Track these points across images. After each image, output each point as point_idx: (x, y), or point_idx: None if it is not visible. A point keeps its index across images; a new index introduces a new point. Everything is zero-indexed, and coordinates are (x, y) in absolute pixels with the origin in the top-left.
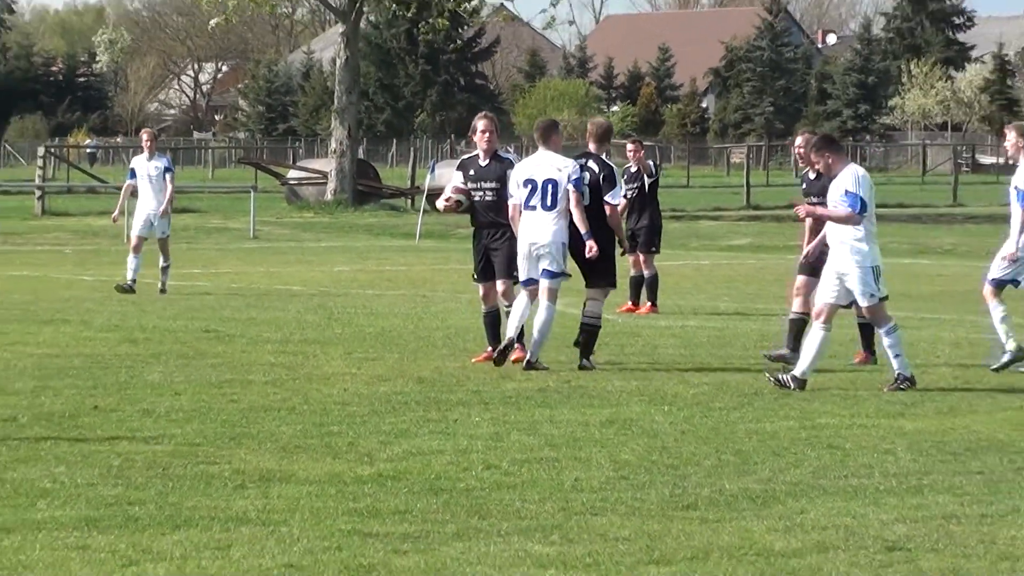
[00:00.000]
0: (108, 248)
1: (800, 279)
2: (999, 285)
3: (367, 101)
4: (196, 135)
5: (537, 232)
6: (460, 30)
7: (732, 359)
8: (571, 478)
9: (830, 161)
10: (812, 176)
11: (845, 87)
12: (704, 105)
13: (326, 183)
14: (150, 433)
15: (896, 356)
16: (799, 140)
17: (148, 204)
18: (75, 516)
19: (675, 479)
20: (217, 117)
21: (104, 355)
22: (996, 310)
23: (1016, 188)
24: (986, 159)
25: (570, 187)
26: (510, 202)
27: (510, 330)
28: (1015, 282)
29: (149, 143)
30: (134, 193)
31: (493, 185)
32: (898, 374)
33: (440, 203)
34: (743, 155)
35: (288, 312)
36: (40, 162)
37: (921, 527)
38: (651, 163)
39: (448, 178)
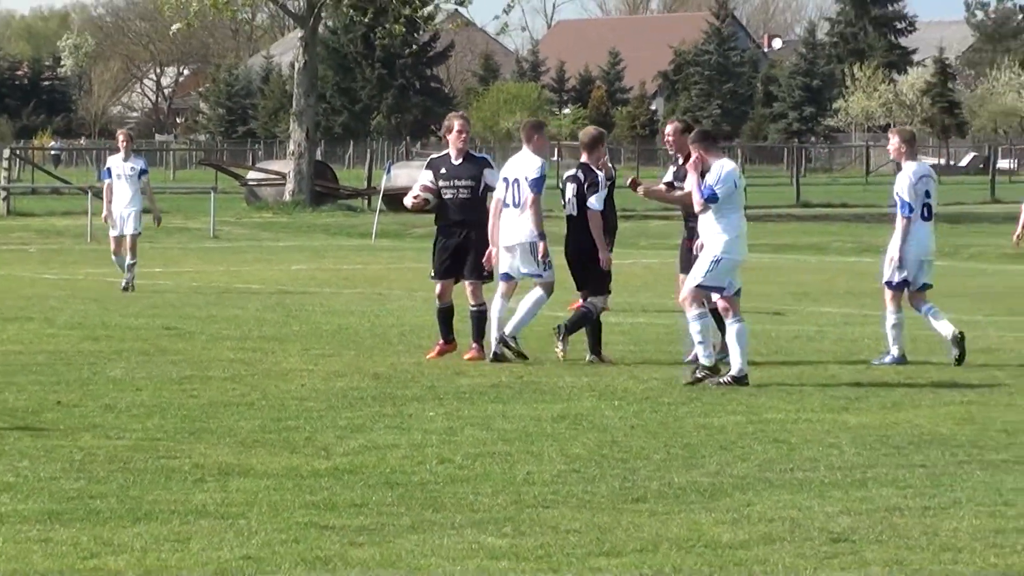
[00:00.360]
0: (72, 247)
1: (681, 276)
2: (898, 288)
3: (325, 104)
4: (158, 137)
5: (510, 231)
6: (415, 35)
7: (680, 355)
8: (523, 472)
9: (699, 155)
10: (681, 161)
11: (790, 90)
12: (653, 108)
13: (284, 184)
14: (111, 428)
15: (700, 343)
16: (669, 128)
17: (121, 203)
18: (38, 509)
19: (625, 472)
20: (178, 120)
21: (67, 352)
22: (891, 316)
23: (897, 195)
24: (928, 160)
25: (527, 186)
26: (494, 195)
27: (493, 333)
28: (907, 283)
29: (125, 143)
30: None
31: (468, 183)
32: (699, 362)
33: (408, 200)
34: None
35: (247, 310)
36: (5, 163)
37: (865, 519)
38: (611, 165)
39: (404, 179)
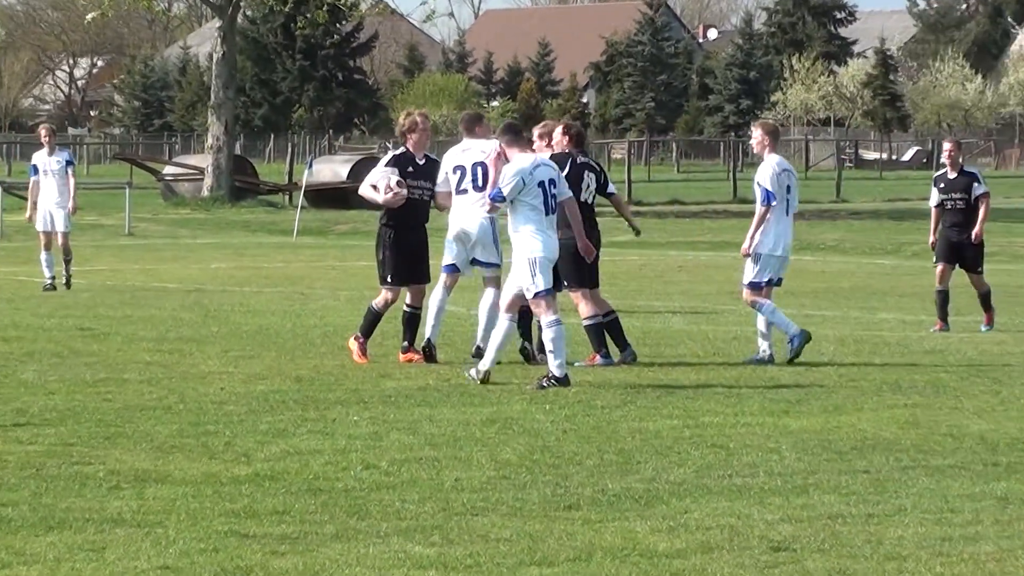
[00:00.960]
0: None
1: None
2: (763, 287)
3: (244, 96)
4: (71, 131)
5: (468, 218)
6: (338, 25)
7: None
8: (451, 478)
9: (501, 147)
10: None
11: (727, 82)
12: (585, 100)
13: (202, 179)
14: (23, 433)
15: (552, 352)
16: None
17: (51, 199)
18: None
19: (557, 479)
20: (92, 113)
21: None
22: (765, 310)
23: (759, 185)
24: (869, 154)
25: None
26: (439, 191)
27: (430, 330)
28: (778, 281)
29: (48, 138)
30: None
31: (430, 185)
32: (550, 374)
33: (386, 198)
34: (624, 151)
35: (164, 310)
36: None
37: (807, 527)
38: None
39: (327, 174)
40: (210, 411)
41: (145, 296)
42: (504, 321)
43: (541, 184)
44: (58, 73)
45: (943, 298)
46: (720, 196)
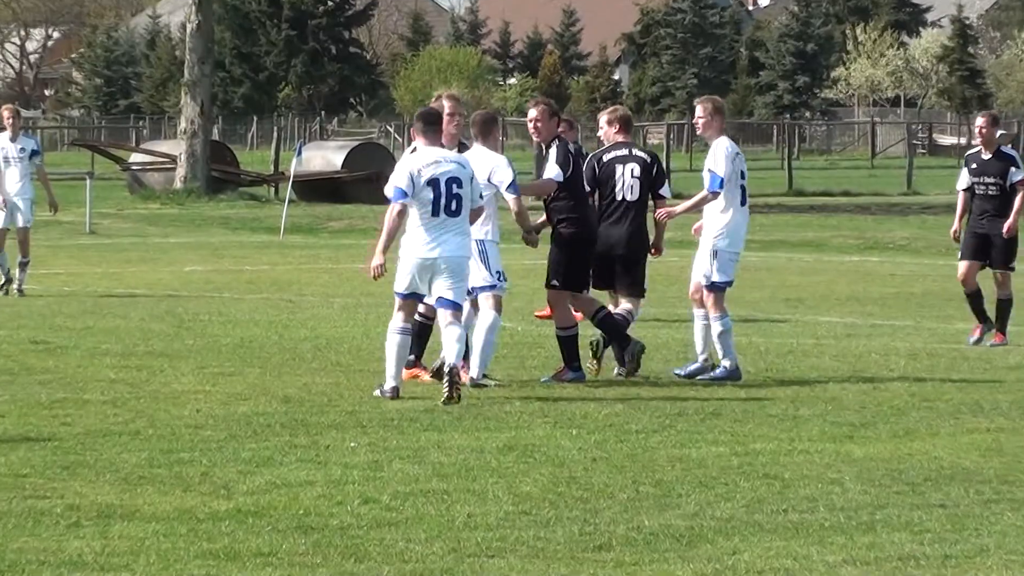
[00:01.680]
0: None
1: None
2: (721, 289)
3: (223, 73)
4: (23, 113)
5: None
6: None
7: (650, 373)
8: (463, 513)
9: (413, 135)
10: (545, 149)
11: (780, 56)
12: (616, 77)
13: (175, 168)
14: None
15: (393, 368)
16: (534, 111)
17: (11, 189)
18: None
19: (585, 514)
20: (47, 92)
21: None
22: (716, 323)
23: (710, 171)
24: (945, 139)
25: (504, 192)
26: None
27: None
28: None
29: (12, 120)
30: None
31: None
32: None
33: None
34: (662, 135)
35: (131, 320)
36: None
37: (874, 570)
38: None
39: (318, 162)
40: (184, 436)
41: (109, 304)
42: (454, 329)
43: (432, 182)
44: (7, 46)
45: (976, 301)
46: (773, 187)
